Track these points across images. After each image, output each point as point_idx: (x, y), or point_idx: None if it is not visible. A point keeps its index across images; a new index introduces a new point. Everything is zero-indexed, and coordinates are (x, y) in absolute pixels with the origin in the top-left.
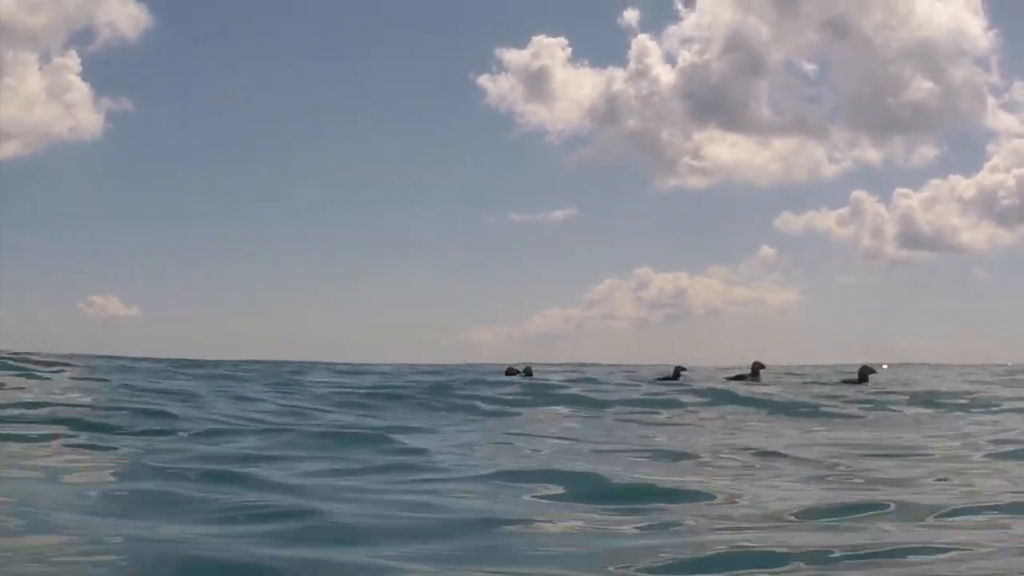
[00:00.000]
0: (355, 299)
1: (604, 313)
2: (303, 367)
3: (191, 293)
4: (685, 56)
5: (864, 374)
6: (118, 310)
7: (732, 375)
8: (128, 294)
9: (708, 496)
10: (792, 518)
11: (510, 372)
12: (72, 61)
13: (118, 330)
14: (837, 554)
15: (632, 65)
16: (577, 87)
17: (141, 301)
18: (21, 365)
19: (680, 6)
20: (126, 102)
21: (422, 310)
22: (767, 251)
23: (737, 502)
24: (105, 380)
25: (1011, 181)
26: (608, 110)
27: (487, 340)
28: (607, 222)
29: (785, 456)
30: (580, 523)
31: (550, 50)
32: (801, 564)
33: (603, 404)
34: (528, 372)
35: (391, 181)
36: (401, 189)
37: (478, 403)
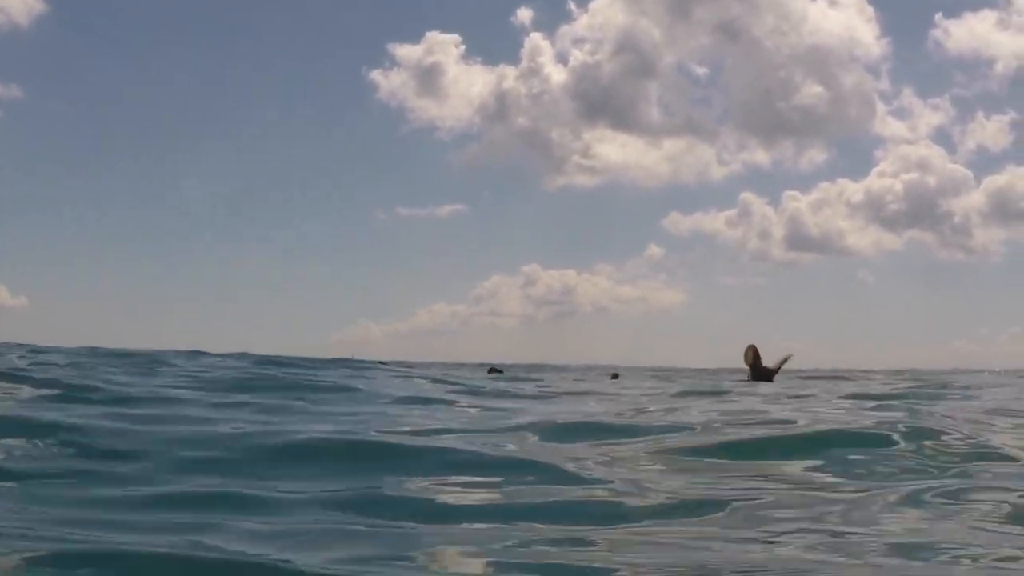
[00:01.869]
0: (241, 291)
1: (491, 309)
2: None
3: (81, 283)
4: (577, 56)
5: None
6: (4, 299)
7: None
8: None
9: None
10: None
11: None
12: None
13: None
14: None
15: (524, 63)
16: (469, 84)
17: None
18: None
19: (573, 6)
20: (16, 89)
21: (308, 304)
22: (655, 250)
23: None
24: None
25: (899, 186)
26: (499, 108)
27: (373, 336)
28: (496, 219)
29: None
30: None
31: (443, 46)
32: None
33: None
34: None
35: (280, 175)
36: (290, 183)
37: None
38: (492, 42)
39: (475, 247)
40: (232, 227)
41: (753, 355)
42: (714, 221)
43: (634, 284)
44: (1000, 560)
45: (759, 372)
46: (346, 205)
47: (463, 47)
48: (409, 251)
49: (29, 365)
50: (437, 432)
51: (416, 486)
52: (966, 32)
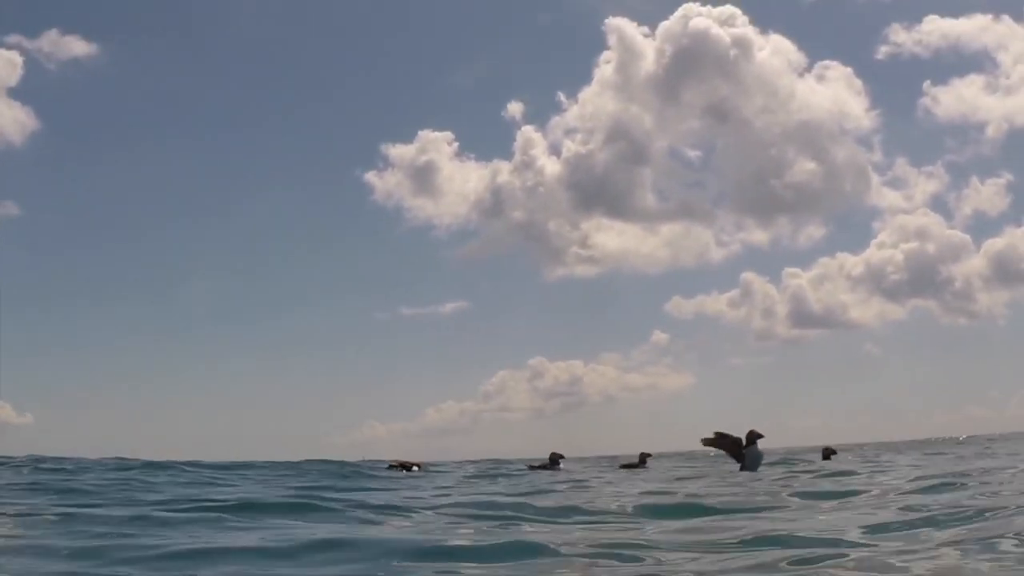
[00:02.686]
0: (245, 396)
1: (500, 405)
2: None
3: (78, 393)
4: (569, 146)
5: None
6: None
7: (623, 464)
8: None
9: None
10: None
11: None
12: None
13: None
14: None
15: (517, 157)
16: (463, 180)
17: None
18: None
19: (563, 97)
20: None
21: (315, 407)
22: (659, 336)
23: None
24: None
25: (899, 256)
26: (494, 202)
27: (381, 436)
28: (498, 313)
29: None
30: None
31: (436, 144)
32: None
33: None
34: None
35: (280, 279)
36: (290, 287)
37: None
38: (485, 137)
39: (480, 343)
40: (231, 335)
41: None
42: (716, 303)
43: (641, 371)
44: None
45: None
46: (348, 306)
47: (456, 144)
48: (413, 350)
49: None
50: None
51: None
52: (955, 98)
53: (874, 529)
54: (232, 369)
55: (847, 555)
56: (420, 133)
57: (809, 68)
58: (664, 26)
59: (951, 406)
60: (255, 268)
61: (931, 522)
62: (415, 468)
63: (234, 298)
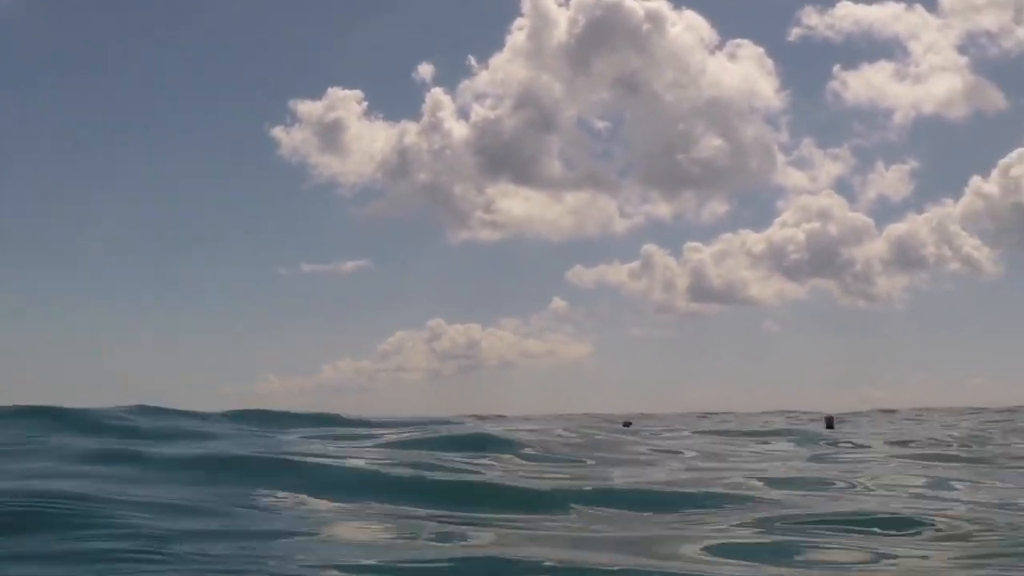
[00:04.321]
0: (142, 343)
1: (397, 365)
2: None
3: None
4: (478, 111)
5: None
6: None
7: None
8: None
9: None
10: None
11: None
12: None
13: None
14: None
15: (425, 119)
16: (371, 140)
17: None
18: None
19: (474, 62)
20: None
21: (211, 359)
22: (559, 304)
23: None
24: None
25: (800, 236)
26: (401, 163)
27: (276, 390)
28: (400, 274)
29: None
30: None
31: (345, 102)
32: None
33: None
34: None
35: (182, 228)
36: (192, 238)
37: None
38: (394, 98)
39: (380, 302)
40: (132, 281)
41: None
42: (618, 273)
43: (540, 337)
44: None
45: None
46: (249, 261)
47: (365, 103)
48: (313, 307)
49: None
50: None
51: None
52: (864, 84)
53: None
54: (131, 316)
55: None
56: (329, 90)
57: (721, 46)
58: None
59: (848, 385)
60: (157, 217)
61: None
62: None
63: (134, 245)
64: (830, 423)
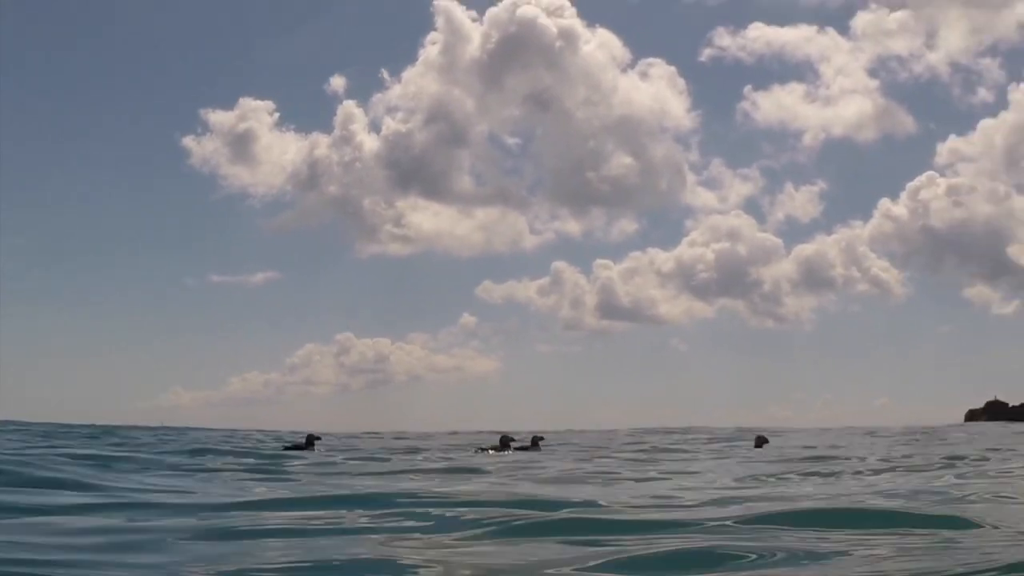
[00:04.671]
0: (46, 354)
1: (305, 378)
2: None
3: None
4: (389, 124)
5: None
6: None
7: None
8: None
9: None
10: None
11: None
12: None
13: None
14: None
15: (337, 132)
16: (281, 151)
17: None
18: None
19: (387, 75)
20: None
21: (116, 371)
22: (468, 319)
23: None
24: None
25: (709, 255)
26: (311, 175)
27: (185, 403)
28: (309, 287)
29: None
30: None
31: (256, 113)
32: None
33: None
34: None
35: (87, 239)
36: (98, 247)
37: None
38: (306, 109)
39: (289, 315)
40: (36, 290)
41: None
42: (527, 289)
43: (448, 352)
44: None
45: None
46: (156, 271)
47: (277, 114)
48: (221, 319)
49: None
50: None
51: None
52: (774, 105)
53: None
54: (34, 326)
55: None
56: (241, 100)
57: (633, 64)
58: (492, 12)
59: (755, 405)
60: (63, 225)
61: None
62: None
63: (40, 255)
64: (759, 443)
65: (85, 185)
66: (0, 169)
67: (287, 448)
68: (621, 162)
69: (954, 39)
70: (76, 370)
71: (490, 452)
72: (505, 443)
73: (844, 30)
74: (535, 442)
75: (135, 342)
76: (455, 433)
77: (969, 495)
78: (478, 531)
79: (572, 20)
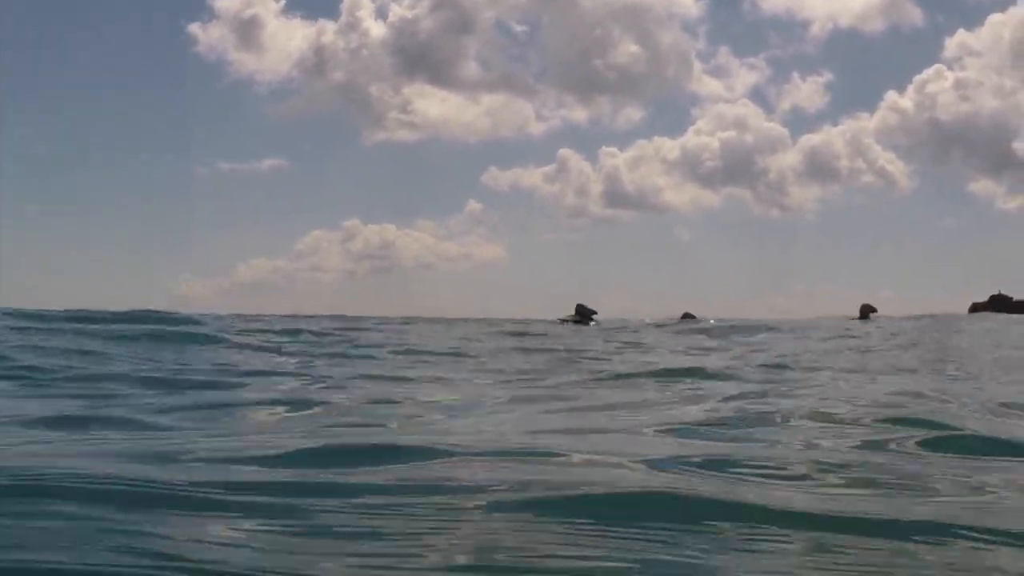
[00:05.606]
0: (59, 244)
1: (312, 264)
2: None
3: None
4: (396, 11)
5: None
6: None
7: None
8: None
9: None
10: None
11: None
12: None
13: None
14: None
15: (343, 18)
16: (287, 38)
17: None
18: None
19: None
20: None
21: (128, 257)
22: (474, 206)
23: None
24: None
25: (715, 144)
26: (317, 62)
27: (197, 291)
28: (316, 173)
29: None
30: None
31: (262, 0)
32: None
33: None
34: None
35: (96, 127)
36: (107, 134)
37: None
38: None
39: (295, 201)
40: (47, 185)
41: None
42: (532, 177)
43: (455, 240)
44: None
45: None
46: (166, 158)
47: (283, 1)
48: (230, 206)
49: None
50: None
51: None
52: None
53: None
54: (45, 217)
55: None
56: None
57: None
58: None
59: (757, 295)
60: (69, 114)
61: None
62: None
63: (48, 144)
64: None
65: (89, 75)
66: (7, 61)
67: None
68: (627, 50)
69: None
70: (91, 261)
71: (570, 324)
72: (584, 314)
73: None
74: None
75: (146, 230)
76: (468, 320)
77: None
78: None
79: None
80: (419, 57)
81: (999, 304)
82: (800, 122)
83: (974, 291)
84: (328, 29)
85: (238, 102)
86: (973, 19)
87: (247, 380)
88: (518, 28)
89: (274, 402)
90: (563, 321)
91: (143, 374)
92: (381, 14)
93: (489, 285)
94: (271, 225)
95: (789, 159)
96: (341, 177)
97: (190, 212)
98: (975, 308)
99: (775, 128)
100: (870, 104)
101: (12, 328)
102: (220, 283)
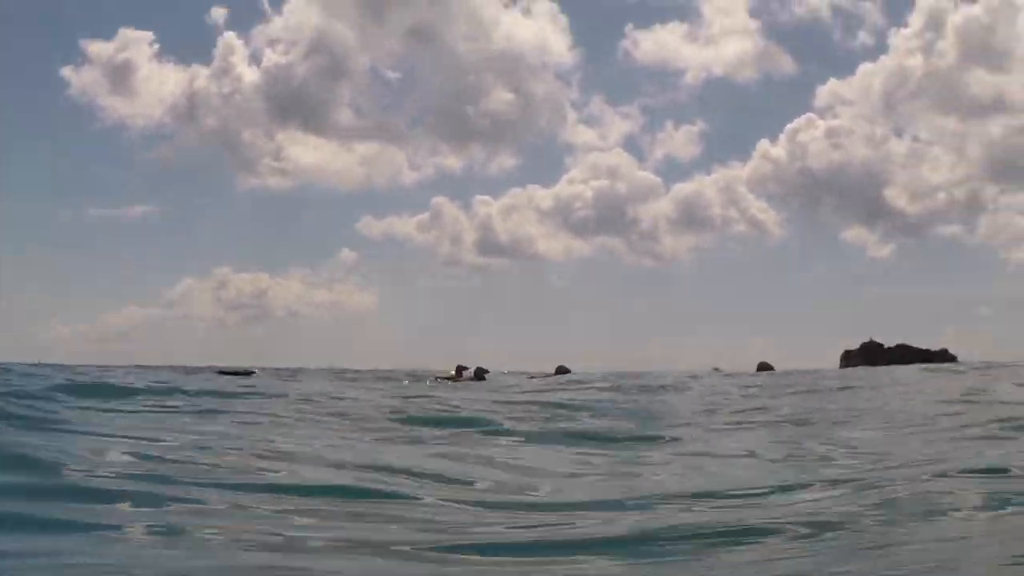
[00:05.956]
0: None
1: (183, 313)
2: None
3: None
4: (269, 56)
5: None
6: None
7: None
8: None
9: None
10: None
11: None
12: None
13: None
14: None
15: (216, 63)
16: (161, 83)
17: None
18: None
19: (267, 6)
20: None
21: None
22: (348, 254)
23: None
24: None
25: (588, 193)
26: (190, 107)
27: (63, 337)
28: (187, 220)
29: None
30: None
31: (136, 43)
32: None
33: None
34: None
35: None
36: None
37: None
38: (186, 40)
39: (166, 249)
40: None
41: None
42: (406, 225)
43: (328, 288)
44: None
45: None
46: (34, 203)
47: (157, 45)
48: (98, 252)
49: None
50: None
51: None
52: (655, 44)
53: None
54: None
55: None
56: (121, 31)
57: (515, 0)
58: None
59: (634, 343)
60: None
61: None
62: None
63: None
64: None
65: None
66: None
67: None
68: (501, 98)
69: None
70: None
71: (448, 382)
72: (459, 372)
73: None
74: (480, 374)
75: (10, 276)
76: (333, 369)
77: None
78: None
79: None
80: (292, 103)
81: (871, 351)
82: (673, 171)
83: (848, 337)
84: (201, 74)
85: (109, 147)
86: (844, 68)
87: None
88: (392, 75)
89: None
90: (439, 379)
91: None
92: (255, 59)
93: (362, 333)
94: (141, 272)
95: (662, 208)
96: (213, 224)
97: (58, 258)
98: (847, 355)
99: (648, 177)
100: (743, 153)
101: None
102: (86, 330)
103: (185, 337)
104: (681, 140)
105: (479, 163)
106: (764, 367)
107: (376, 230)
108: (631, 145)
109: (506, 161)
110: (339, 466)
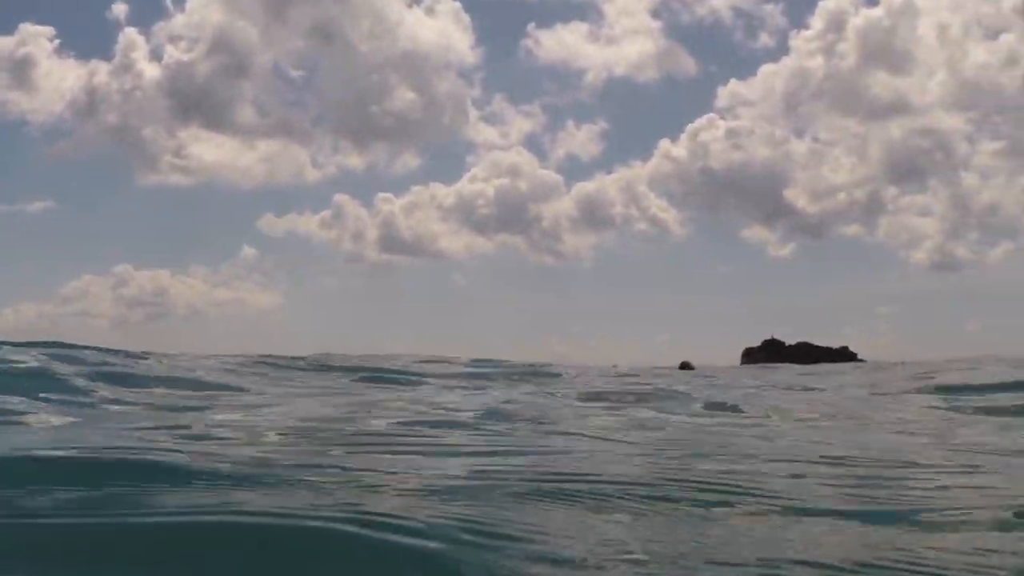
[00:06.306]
0: None
1: (81, 310)
2: None
3: None
4: (171, 52)
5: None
6: None
7: None
8: None
9: None
10: None
11: None
12: None
13: None
14: None
15: (118, 59)
16: (61, 78)
17: None
18: None
19: (170, 3)
20: None
21: None
22: (249, 252)
23: None
24: None
25: (490, 191)
26: (90, 103)
27: None
28: (86, 216)
29: None
30: None
31: (36, 39)
32: None
33: None
34: None
35: None
36: None
37: None
38: (87, 36)
39: (64, 245)
40: None
41: None
42: (309, 223)
43: (229, 286)
44: None
45: None
46: None
47: (57, 41)
48: None
49: None
50: None
51: None
52: (557, 43)
53: None
54: None
55: None
56: (21, 26)
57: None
58: None
59: (533, 339)
60: None
61: None
62: None
63: None
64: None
65: None
66: None
67: None
68: (404, 96)
69: None
70: None
71: None
72: None
73: None
74: None
75: None
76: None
77: None
78: None
79: None
80: (194, 101)
81: (772, 349)
82: (575, 170)
83: (749, 335)
84: (102, 70)
85: (9, 142)
86: (745, 69)
87: None
88: (295, 73)
89: None
90: None
91: None
92: (156, 56)
93: (263, 331)
94: (38, 269)
95: (564, 206)
96: (113, 221)
97: None
98: (748, 352)
99: (550, 176)
100: (644, 152)
101: None
102: None
103: (83, 335)
104: (582, 139)
105: (382, 161)
106: (685, 366)
107: (278, 227)
108: (533, 144)
109: (409, 159)
110: None
